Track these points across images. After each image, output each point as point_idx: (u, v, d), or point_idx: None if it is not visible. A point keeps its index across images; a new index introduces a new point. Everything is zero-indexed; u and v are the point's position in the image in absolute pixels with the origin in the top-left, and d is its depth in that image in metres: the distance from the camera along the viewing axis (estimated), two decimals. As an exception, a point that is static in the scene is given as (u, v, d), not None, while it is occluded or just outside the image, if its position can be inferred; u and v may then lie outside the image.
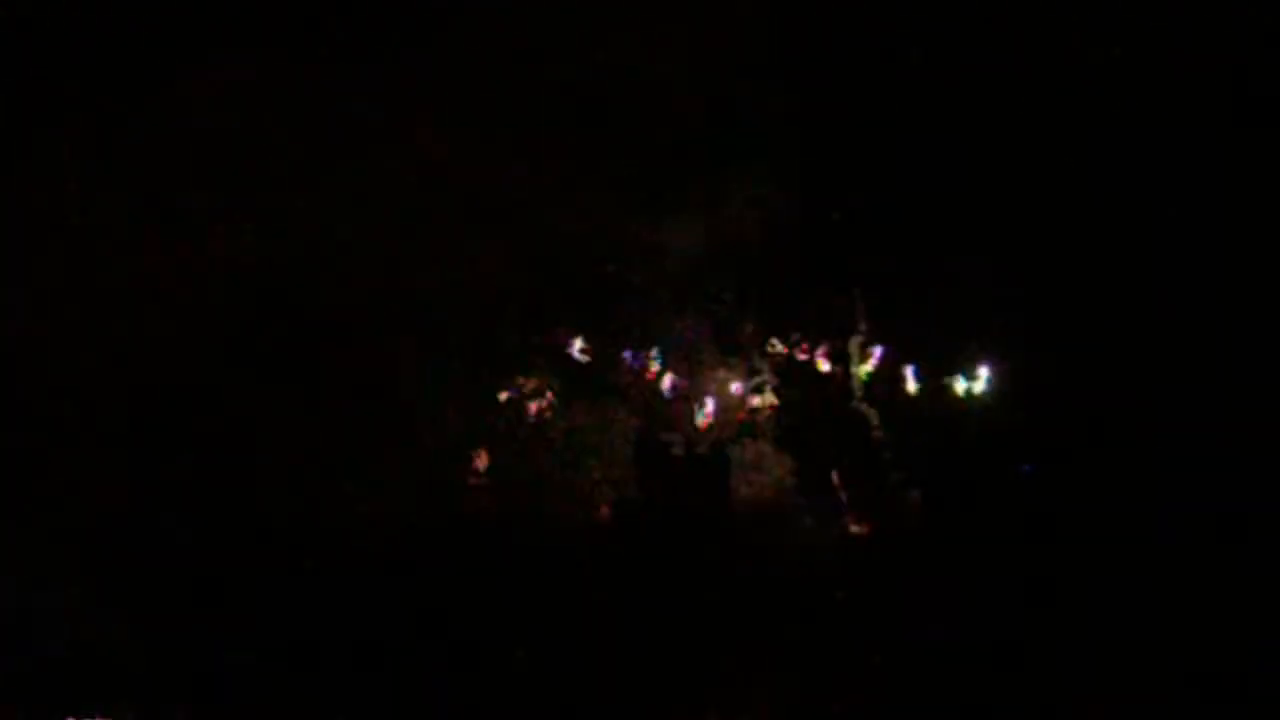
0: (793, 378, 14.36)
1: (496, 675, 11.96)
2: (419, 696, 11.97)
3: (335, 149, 13.61)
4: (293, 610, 12.29)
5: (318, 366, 13.30)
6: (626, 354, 14.32)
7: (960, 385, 13.86)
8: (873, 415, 14.07)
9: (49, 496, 12.42)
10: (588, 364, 14.33)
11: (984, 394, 13.71)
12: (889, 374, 14.25)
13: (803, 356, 14.46)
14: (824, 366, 14.35)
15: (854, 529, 12.95)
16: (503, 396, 13.96)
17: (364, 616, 12.24)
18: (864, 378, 14.23)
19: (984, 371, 13.77)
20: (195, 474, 12.66)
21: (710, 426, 13.91)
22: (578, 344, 14.38)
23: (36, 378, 12.63)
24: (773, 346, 14.48)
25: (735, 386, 14.25)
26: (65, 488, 12.45)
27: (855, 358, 14.37)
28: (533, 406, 13.97)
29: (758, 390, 14.25)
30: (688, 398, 14.13)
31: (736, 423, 14.00)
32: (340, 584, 12.36)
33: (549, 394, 14.01)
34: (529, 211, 14.12)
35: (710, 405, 14.04)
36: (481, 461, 13.47)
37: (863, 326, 14.41)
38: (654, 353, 14.35)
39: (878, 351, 14.30)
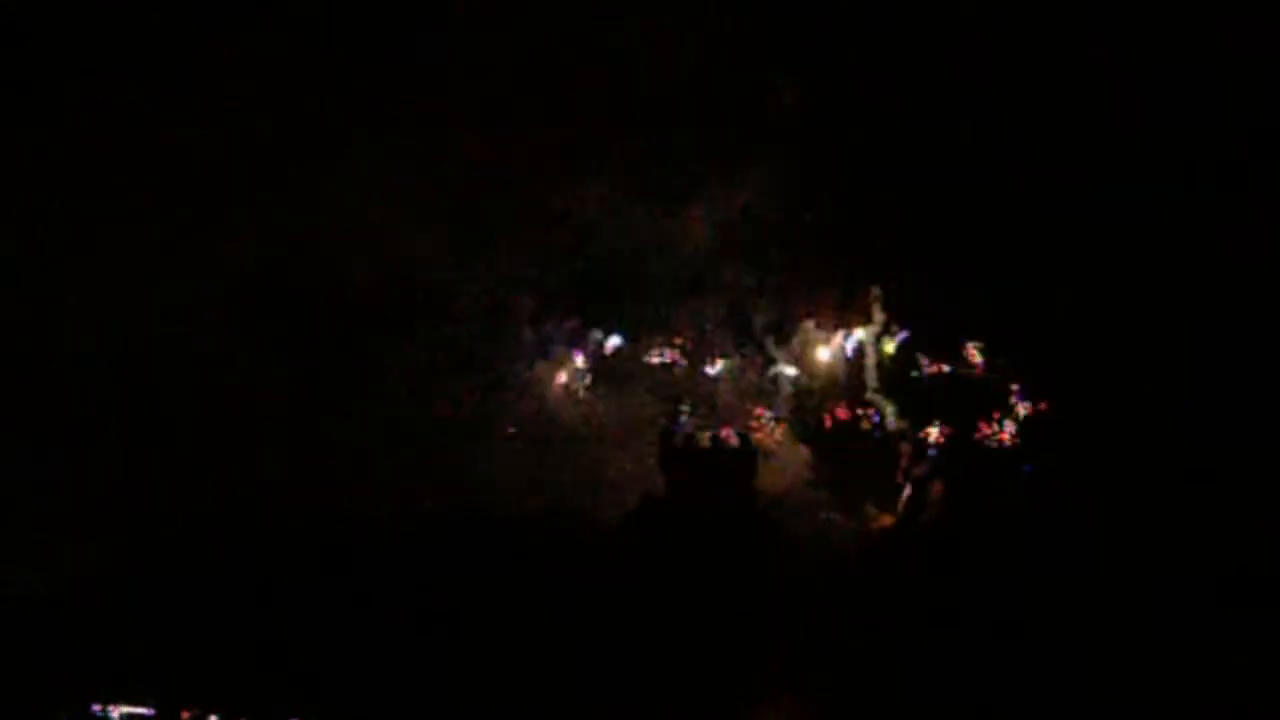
0: (807, 366, 14.44)
1: (520, 662, 12.04)
2: (437, 686, 12.10)
3: (353, 140, 13.65)
4: (315, 601, 12.44)
5: (337, 358, 13.44)
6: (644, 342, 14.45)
7: (977, 375, 13.90)
8: (889, 405, 14.10)
9: (64, 490, 12.61)
10: (607, 353, 14.39)
11: (1001, 385, 13.73)
12: (905, 363, 14.30)
13: (818, 344, 14.52)
14: (839, 355, 14.42)
15: (876, 521, 12.99)
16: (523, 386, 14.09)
17: (383, 608, 12.35)
18: (880, 366, 14.29)
19: (1001, 362, 13.81)
20: (213, 466, 12.81)
21: (727, 414, 14.02)
22: (595, 333, 14.45)
23: (53, 372, 12.76)
24: (788, 334, 14.56)
25: (751, 374, 14.35)
26: (79, 481, 12.60)
27: (870, 346, 14.42)
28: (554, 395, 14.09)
29: (773, 379, 14.35)
30: (703, 386, 14.27)
31: (752, 411, 14.10)
32: (360, 575, 12.48)
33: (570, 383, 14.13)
34: (545, 201, 14.19)
35: (727, 393, 14.15)
36: (504, 451, 13.60)
37: (878, 316, 14.43)
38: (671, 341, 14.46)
39: (893, 339, 14.36)
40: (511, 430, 13.90)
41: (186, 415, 12.83)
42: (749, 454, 13.18)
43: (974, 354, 14.00)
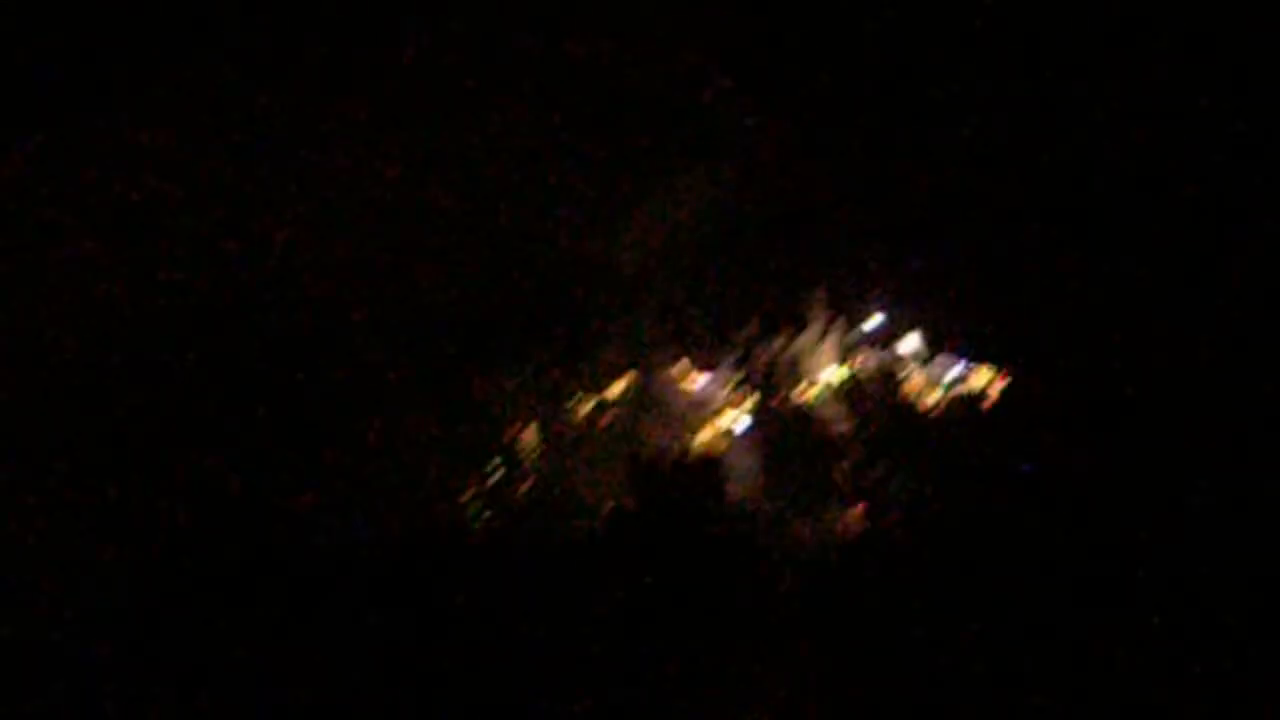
0: (752, 373, 14.51)
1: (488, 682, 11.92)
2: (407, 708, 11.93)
3: (286, 157, 13.49)
4: (278, 620, 12.18)
5: (275, 378, 13.23)
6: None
7: (920, 378, 14.10)
8: (836, 411, 14.24)
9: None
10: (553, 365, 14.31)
11: (945, 388, 13.95)
12: (849, 368, 14.44)
13: (761, 351, 14.60)
14: (783, 361, 14.52)
15: (843, 526, 13.09)
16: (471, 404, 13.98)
17: (350, 629, 12.13)
18: (826, 366, 14.41)
19: (944, 363, 14.03)
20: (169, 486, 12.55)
21: (679, 423, 14.06)
22: (539, 347, 14.35)
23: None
24: (731, 339, 14.61)
25: (697, 383, 14.41)
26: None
27: (812, 352, 14.53)
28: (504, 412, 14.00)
29: (721, 384, 14.40)
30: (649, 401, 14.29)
31: (706, 417, 14.16)
32: (326, 595, 12.26)
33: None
34: (481, 217, 14.05)
35: (678, 401, 14.20)
36: (456, 471, 13.48)
37: (821, 318, 14.56)
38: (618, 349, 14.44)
39: (837, 338, 14.50)
40: (462, 448, 13.80)
41: (138, 437, 12.56)
42: (715, 465, 13.16)
43: (922, 351, 14.24)
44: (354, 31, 13.62)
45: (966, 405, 13.67)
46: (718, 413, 14.21)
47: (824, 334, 14.50)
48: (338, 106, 13.59)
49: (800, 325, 14.51)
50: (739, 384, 14.38)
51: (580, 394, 14.11)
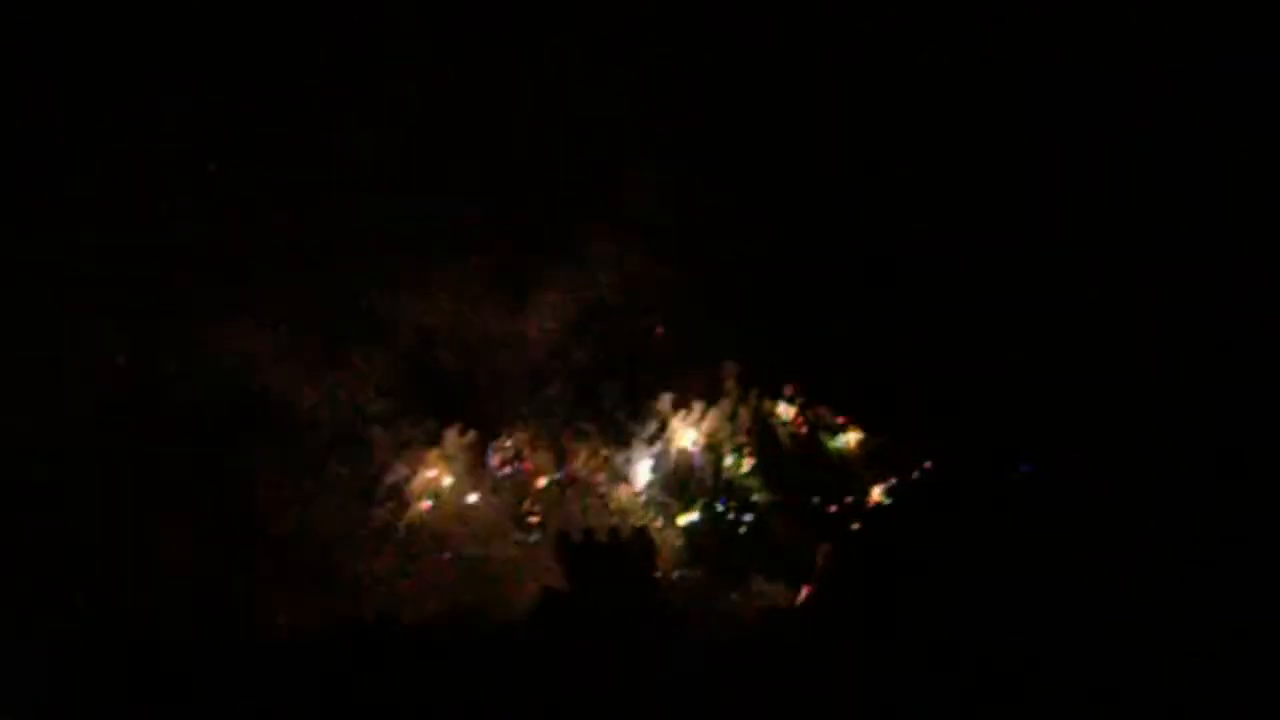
0: (667, 446, 14.29)
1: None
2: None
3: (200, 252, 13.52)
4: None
5: (198, 467, 13.10)
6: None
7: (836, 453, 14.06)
8: (754, 479, 14.07)
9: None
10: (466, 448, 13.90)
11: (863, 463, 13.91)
12: (764, 433, 14.30)
13: (676, 424, 14.39)
14: (691, 434, 14.32)
15: (766, 597, 12.86)
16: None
17: None
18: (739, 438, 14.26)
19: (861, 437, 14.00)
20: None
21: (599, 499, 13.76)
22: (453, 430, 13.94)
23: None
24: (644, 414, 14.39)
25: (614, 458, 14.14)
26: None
27: (727, 425, 14.37)
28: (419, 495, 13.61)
29: (634, 460, 14.15)
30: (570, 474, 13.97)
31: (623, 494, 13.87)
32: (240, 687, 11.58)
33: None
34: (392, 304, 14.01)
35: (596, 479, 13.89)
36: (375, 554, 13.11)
37: (734, 391, 14.42)
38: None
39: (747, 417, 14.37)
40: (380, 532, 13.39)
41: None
42: (639, 539, 12.76)
43: (833, 419, 14.18)
44: (274, 131, 13.68)
45: (884, 482, 13.68)
46: (636, 486, 13.96)
47: (738, 407, 14.37)
48: (252, 193, 13.61)
49: (714, 398, 14.40)
50: (655, 457, 14.16)
51: (499, 471, 13.74)
